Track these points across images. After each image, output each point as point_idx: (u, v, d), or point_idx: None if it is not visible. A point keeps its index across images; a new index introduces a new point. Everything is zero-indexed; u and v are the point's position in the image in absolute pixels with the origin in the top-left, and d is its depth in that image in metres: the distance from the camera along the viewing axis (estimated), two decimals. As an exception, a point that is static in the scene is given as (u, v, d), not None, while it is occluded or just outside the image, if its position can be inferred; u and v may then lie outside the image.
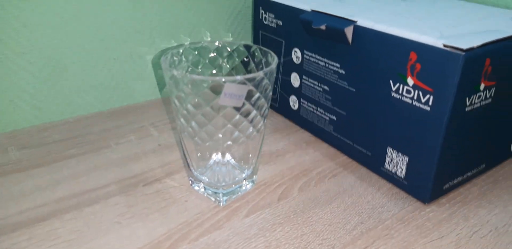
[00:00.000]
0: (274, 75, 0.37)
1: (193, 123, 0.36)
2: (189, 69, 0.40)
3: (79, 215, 0.37)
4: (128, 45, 0.55)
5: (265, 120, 0.38)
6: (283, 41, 0.53)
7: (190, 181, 0.42)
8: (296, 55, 0.51)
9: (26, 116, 0.51)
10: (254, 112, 0.36)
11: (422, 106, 0.38)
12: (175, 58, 0.38)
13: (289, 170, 0.45)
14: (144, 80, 0.58)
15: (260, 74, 0.34)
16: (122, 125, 0.53)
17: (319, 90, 0.49)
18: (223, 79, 0.32)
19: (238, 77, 0.32)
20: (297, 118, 0.55)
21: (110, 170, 0.44)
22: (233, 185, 0.40)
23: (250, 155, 0.39)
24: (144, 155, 0.47)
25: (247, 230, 0.36)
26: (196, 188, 0.41)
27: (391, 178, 0.44)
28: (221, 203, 0.39)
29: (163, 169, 0.44)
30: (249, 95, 0.34)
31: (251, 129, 0.37)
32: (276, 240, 0.36)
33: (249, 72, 0.41)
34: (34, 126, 0.52)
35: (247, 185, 0.41)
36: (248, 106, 0.35)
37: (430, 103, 0.37)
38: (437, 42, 0.35)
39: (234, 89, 0.33)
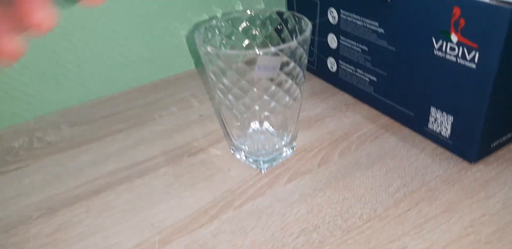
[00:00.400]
0: (309, 42, 0.36)
1: (230, 97, 0.36)
2: (223, 42, 0.40)
3: (131, 186, 0.39)
4: (163, 20, 0.55)
5: (302, 88, 0.38)
6: (318, 1, 0.51)
7: (232, 150, 0.43)
8: (333, 15, 0.49)
9: (74, 94, 0.53)
10: (289, 82, 0.36)
11: (467, 64, 0.36)
12: (208, 32, 0.38)
13: (328, 135, 0.45)
14: (181, 52, 0.59)
15: (293, 44, 0.33)
16: (164, 97, 0.54)
17: (358, 51, 0.48)
18: (256, 52, 0.32)
19: (271, 49, 0.32)
20: (336, 81, 0.54)
21: (156, 142, 0.46)
22: (274, 152, 0.41)
23: (288, 123, 0.40)
24: (187, 125, 0.48)
25: (289, 196, 0.37)
26: (238, 156, 0.42)
27: (435, 138, 0.43)
28: (263, 170, 0.40)
29: (206, 139, 0.46)
30: (283, 65, 0.34)
31: (287, 98, 0.37)
32: (317, 205, 0.36)
33: (283, 40, 0.41)
34: (82, 104, 0.55)
35: (287, 151, 0.42)
36: (283, 76, 0.35)
37: (476, 60, 0.36)
38: (481, -5, 0.33)
39: (267, 62, 0.33)
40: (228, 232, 0.34)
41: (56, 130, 0.49)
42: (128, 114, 0.51)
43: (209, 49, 0.33)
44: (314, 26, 0.53)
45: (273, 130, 0.40)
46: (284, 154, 0.42)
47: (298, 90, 0.38)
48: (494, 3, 0.32)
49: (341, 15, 0.48)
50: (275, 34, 0.42)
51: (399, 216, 0.35)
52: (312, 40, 0.55)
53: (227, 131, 0.41)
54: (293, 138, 0.42)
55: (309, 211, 0.36)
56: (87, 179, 0.41)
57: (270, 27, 0.41)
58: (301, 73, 0.37)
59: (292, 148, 0.42)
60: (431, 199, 0.37)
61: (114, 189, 0.39)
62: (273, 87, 0.35)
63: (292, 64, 0.35)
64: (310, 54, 0.57)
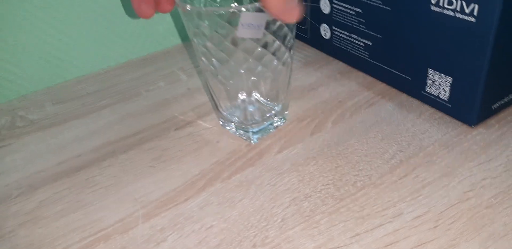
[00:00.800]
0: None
1: (214, 61, 0.34)
2: (206, 5, 0.38)
3: (115, 161, 0.38)
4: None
5: (291, 51, 0.36)
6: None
7: (221, 122, 0.41)
8: (323, -21, 0.47)
9: (59, 71, 0.51)
10: (276, 43, 0.34)
11: (466, 17, 0.34)
12: None
13: (322, 104, 0.43)
14: (169, 25, 0.57)
15: None
16: (151, 72, 0.52)
17: (352, 14, 0.45)
18: (239, 9, 0.30)
19: (256, 5, 0.30)
20: (330, 48, 0.52)
21: (142, 116, 0.44)
22: (264, 123, 0.39)
23: (279, 91, 0.38)
24: (174, 99, 0.46)
25: (280, 166, 0.36)
26: (228, 128, 0.40)
27: (433, 101, 0.41)
28: (252, 141, 0.39)
29: (194, 112, 0.44)
30: (269, 25, 0.32)
31: (275, 62, 0.35)
32: (309, 173, 0.35)
33: None
34: (68, 81, 0.53)
35: (278, 121, 0.40)
36: (269, 37, 0.33)
37: (475, 13, 0.33)
38: None
39: (251, 19, 0.30)
40: (215, 204, 0.33)
41: (39, 108, 0.47)
42: (114, 90, 0.49)
43: (188, 7, 0.31)
44: (305, -9, 0.51)
45: (262, 99, 0.38)
46: (275, 124, 0.40)
47: (287, 54, 0.35)
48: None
49: (332, -23, 0.45)
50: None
51: (395, 183, 0.33)
52: (304, 7, 0.52)
53: (215, 102, 0.39)
54: (285, 107, 0.40)
55: (300, 180, 0.34)
56: (70, 156, 0.39)
57: None
58: (289, 34, 0.34)
59: (284, 118, 0.41)
60: (429, 164, 0.35)
61: (98, 164, 0.38)
62: (259, 49, 0.33)
63: (278, 23, 0.32)
64: (303, 22, 0.54)
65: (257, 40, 0.32)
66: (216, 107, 0.39)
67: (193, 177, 0.35)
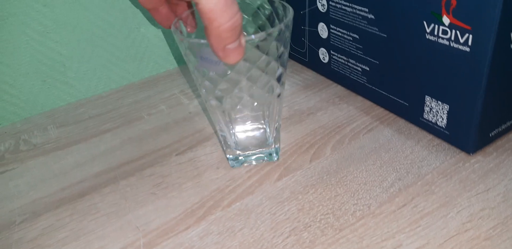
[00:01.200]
0: (276, 33, 0.33)
1: (207, 83, 0.34)
2: None
3: (117, 188, 0.38)
4: (149, 15, 0.54)
5: (281, 82, 0.36)
6: (306, -10, 0.49)
7: (222, 148, 0.41)
8: (322, 3, 0.47)
9: (61, 95, 0.52)
10: (263, 75, 0.34)
11: (460, 47, 0.35)
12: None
13: (321, 129, 0.44)
14: (170, 49, 0.57)
15: (261, 35, 0.31)
16: (153, 95, 0.53)
17: (349, 39, 0.46)
18: (199, 42, 0.29)
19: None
20: (329, 72, 0.52)
21: (144, 141, 0.44)
22: (262, 149, 0.39)
23: (271, 114, 0.38)
24: (175, 124, 0.47)
25: (280, 194, 0.36)
26: (228, 155, 0.40)
27: (431, 128, 0.41)
28: (252, 163, 0.39)
29: (194, 137, 0.44)
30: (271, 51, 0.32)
31: (266, 95, 0.35)
32: (309, 202, 0.35)
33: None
34: (70, 104, 0.53)
35: (273, 154, 0.40)
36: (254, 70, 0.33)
37: (470, 43, 0.34)
38: (472, -26, 0.31)
39: (208, 53, 0.30)
40: (215, 233, 0.33)
41: (42, 132, 0.48)
42: (116, 114, 0.50)
43: (176, 37, 0.31)
44: (304, 15, 0.52)
45: (257, 124, 0.38)
46: (273, 155, 0.40)
47: (277, 86, 0.35)
48: (487, -18, 0.31)
49: (330, 2, 0.46)
50: (267, 24, 0.40)
51: (394, 212, 0.33)
52: (303, 31, 0.53)
53: (216, 128, 0.39)
54: (277, 138, 0.40)
55: (300, 209, 0.34)
56: (72, 182, 0.39)
57: (262, 16, 0.39)
58: (279, 67, 0.34)
59: (277, 153, 0.40)
60: (428, 193, 0.35)
61: (99, 191, 0.38)
62: (244, 82, 0.33)
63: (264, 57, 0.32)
64: (302, 46, 0.55)
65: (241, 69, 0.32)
66: (216, 132, 0.40)
67: (193, 205, 0.36)
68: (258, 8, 0.38)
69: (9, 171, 0.42)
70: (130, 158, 0.42)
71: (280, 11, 0.36)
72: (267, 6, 0.38)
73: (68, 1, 0.47)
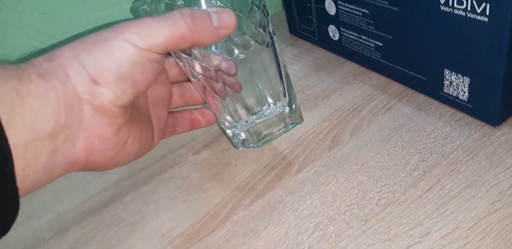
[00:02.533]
0: None
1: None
2: None
3: (138, 195, 0.38)
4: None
5: (267, 31, 0.33)
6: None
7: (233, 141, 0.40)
8: (325, -21, 0.45)
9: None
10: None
11: (478, 17, 0.32)
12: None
13: (337, 112, 0.42)
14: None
15: None
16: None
17: (358, 15, 0.44)
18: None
19: None
20: (340, 49, 0.50)
21: (160, 143, 0.44)
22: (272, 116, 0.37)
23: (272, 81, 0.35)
24: (189, 120, 0.46)
25: (300, 187, 0.35)
26: (240, 147, 0.39)
27: (452, 102, 0.39)
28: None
29: (208, 134, 0.44)
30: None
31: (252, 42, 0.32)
32: (331, 193, 0.34)
33: None
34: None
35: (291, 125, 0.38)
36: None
37: (487, 12, 0.32)
38: None
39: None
40: (240, 234, 0.33)
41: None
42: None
43: None
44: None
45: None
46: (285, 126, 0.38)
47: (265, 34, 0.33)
48: None
49: (333, -22, 0.44)
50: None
51: (420, 197, 0.32)
52: (310, 8, 0.51)
53: (220, 123, 0.38)
54: (293, 109, 0.38)
55: (323, 202, 0.34)
56: (93, 192, 0.40)
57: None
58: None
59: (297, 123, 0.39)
60: (453, 173, 0.34)
61: (121, 199, 0.38)
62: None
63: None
64: (310, 24, 0.53)
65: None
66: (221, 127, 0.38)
67: (215, 206, 0.35)
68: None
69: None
70: (148, 162, 0.42)
71: None
72: None
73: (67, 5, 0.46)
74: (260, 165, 0.38)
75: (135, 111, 0.29)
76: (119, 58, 0.25)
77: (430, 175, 0.34)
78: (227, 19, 0.27)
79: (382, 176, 0.35)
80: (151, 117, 0.33)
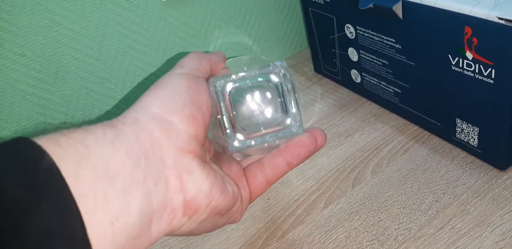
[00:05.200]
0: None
1: None
2: None
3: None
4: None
5: None
6: (334, 17, 0.52)
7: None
8: (350, 31, 0.50)
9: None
10: None
11: (485, 79, 0.37)
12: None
13: (360, 152, 0.47)
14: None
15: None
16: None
17: (379, 64, 0.49)
18: None
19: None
20: (362, 91, 0.55)
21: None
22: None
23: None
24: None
25: (327, 223, 0.40)
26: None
27: (464, 146, 0.44)
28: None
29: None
30: None
31: None
32: (354, 229, 0.39)
33: None
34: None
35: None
36: None
37: (493, 76, 0.36)
38: (491, 14, 0.33)
39: None
40: (274, 263, 0.38)
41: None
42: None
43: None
44: (333, 40, 0.54)
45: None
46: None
47: None
48: (503, 22, 0.33)
49: (358, 31, 0.49)
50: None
51: (433, 235, 0.37)
52: (334, 53, 0.56)
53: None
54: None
55: (347, 237, 0.38)
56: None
57: None
58: None
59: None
60: (463, 213, 0.38)
61: (169, 228, 0.43)
62: None
63: None
64: (333, 65, 0.58)
65: None
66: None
67: (251, 237, 0.40)
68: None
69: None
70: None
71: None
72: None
73: (118, 53, 0.53)
74: (291, 200, 0.43)
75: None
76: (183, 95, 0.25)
77: (443, 215, 0.38)
78: None
79: (400, 214, 0.39)
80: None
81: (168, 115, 0.24)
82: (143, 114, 0.24)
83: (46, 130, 0.22)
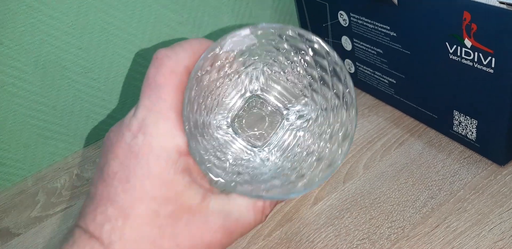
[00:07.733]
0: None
1: None
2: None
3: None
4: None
5: None
6: (327, 4, 0.49)
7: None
8: (343, 18, 0.48)
9: (105, 127, 0.56)
10: None
11: (484, 68, 0.35)
12: None
13: (353, 145, 0.45)
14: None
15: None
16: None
17: (373, 53, 0.47)
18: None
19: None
20: (356, 82, 0.53)
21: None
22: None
23: None
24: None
25: (316, 220, 0.38)
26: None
27: (461, 140, 0.42)
28: None
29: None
30: None
31: None
32: (345, 227, 0.37)
33: None
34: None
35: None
36: None
37: (493, 65, 0.34)
38: (491, -1, 0.31)
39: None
40: (260, 263, 0.36)
41: (92, 165, 0.52)
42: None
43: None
44: (326, 28, 0.52)
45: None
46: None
47: None
48: (505, 6, 0.31)
49: (352, 18, 0.46)
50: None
51: (428, 234, 0.35)
52: (327, 42, 0.53)
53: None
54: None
55: (336, 235, 0.36)
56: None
57: None
58: None
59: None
60: (460, 211, 0.36)
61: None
62: None
63: None
64: (327, 55, 0.55)
65: None
66: None
67: (238, 235, 0.38)
68: None
69: (68, 208, 0.46)
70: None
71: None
72: None
73: (101, 42, 0.50)
74: (279, 196, 0.41)
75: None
76: None
77: (438, 212, 0.36)
78: None
79: (393, 212, 0.37)
80: None
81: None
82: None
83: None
